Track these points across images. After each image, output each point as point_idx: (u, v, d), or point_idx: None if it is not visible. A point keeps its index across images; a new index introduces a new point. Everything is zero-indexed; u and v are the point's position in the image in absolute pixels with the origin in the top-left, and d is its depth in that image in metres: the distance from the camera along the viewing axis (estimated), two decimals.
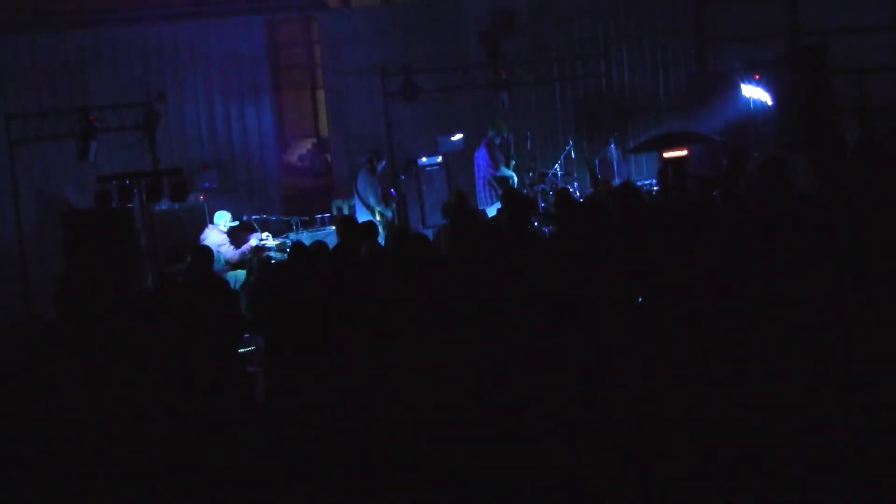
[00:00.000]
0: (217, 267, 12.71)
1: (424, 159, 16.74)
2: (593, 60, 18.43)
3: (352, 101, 17.82)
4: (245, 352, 10.03)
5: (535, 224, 14.11)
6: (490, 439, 6.46)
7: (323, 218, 15.57)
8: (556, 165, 16.80)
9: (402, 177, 16.38)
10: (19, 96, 15.49)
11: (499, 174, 16.23)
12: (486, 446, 6.41)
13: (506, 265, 8.77)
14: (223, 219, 14.20)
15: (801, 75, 16.10)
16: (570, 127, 18.68)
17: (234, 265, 13.71)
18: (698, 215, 9.49)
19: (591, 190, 16.02)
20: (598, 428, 6.52)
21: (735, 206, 9.75)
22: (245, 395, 7.86)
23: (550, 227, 13.67)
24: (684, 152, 15.08)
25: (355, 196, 15.47)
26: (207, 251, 10.68)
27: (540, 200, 15.78)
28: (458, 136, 17.00)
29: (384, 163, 15.65)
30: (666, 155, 15.07)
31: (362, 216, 14.83)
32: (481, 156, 16.16)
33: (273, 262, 13.47)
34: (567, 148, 17.47)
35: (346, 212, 16.00)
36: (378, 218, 15.09)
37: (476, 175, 16.38)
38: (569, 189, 15.83)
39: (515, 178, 16.45)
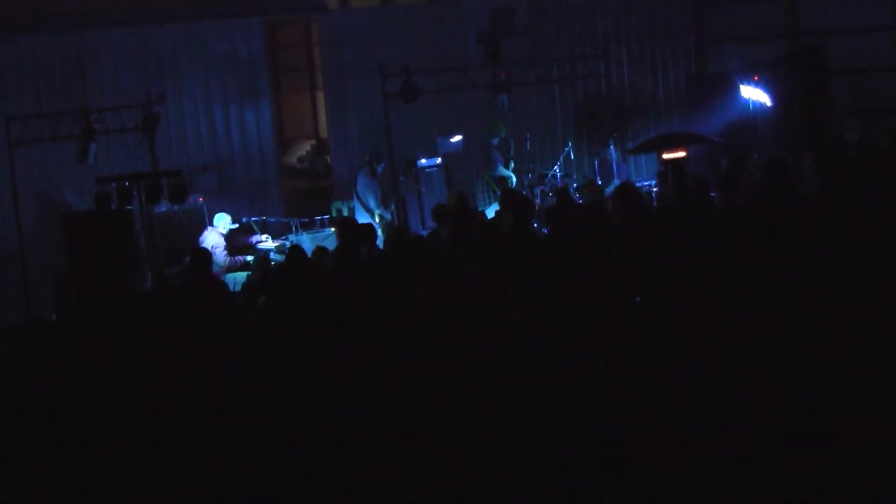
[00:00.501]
0: (215, 269, 12.70)
1: (424, 161, 16.75)
2: (593, 61, 18.44)
3: (351, 103, 17.83)
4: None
5: (535, 225, 14.11)
6: (490, 440, 6.46)
7: (322, 219, 15.57)
8: (556, 166, 16.80)
9: (402, 178, 16.38)
10: (19, 97, 15.51)
11: (497, 174, 16.25)
12: (485, 447, 6.42)
13: (506, 266, 8.78)
14: (222, 221, 14.19)
15: (800, 76, 16.11)
16: (570, 128, 18.69)
17: (229, 269, 13.68)
18: (697, 215, 9.50)
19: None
20: (597, 428, 6.51)
21: (734, 205, 9.75)
22: (244, 397, 7.85)
23: (549, 228, 13.67)
24: (683, 153, 15.09)
25: (354, 198, 15.46)
26: (206, 253, 10.70)
27: (539, 201, 15.77)
28: (458, 138, 17.01)
29: (384, 164, 15.66)
30: (665, 156, 15.09)
31: (361, 218, 14.83)
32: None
33: (273, 262, 13.46)
34: (566, 149, 17.48)
35: (345, 213, 16.00)
36: (377, 220, 15.09)
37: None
38: (569, 189, 15.88)
39: (514, 179, 16.46)
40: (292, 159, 27.09)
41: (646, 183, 16.75)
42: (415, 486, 6.20)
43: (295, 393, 7.13)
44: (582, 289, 8.20)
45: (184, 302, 9.25)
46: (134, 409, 6.93)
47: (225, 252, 13.78)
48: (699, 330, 7.49)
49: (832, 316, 7.29)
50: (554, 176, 16.53)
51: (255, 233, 14.79)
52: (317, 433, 6.63)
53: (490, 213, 13.89)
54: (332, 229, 14.53)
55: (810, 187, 10.53)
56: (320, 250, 11.17)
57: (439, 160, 16.86)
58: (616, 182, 16.25)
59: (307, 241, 14.20)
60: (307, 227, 15.30)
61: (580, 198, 14.99)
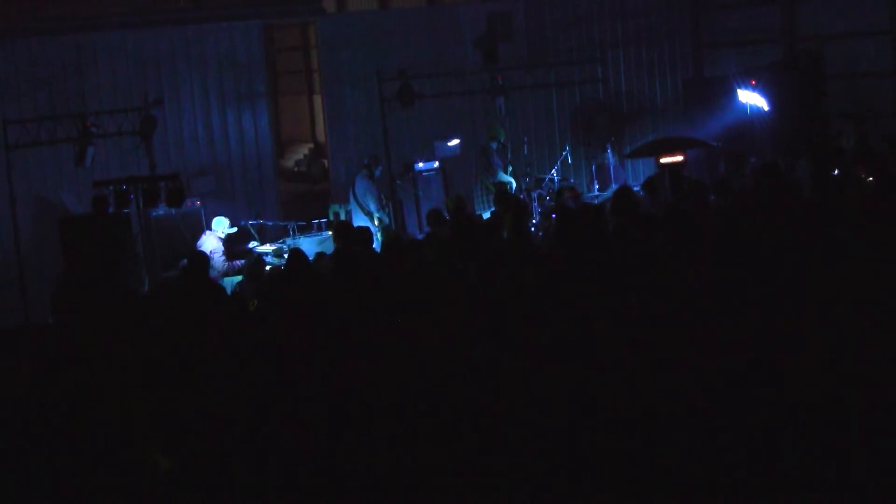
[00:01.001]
0: (213, 274, 12.70)
1: (421, 164, 16.76)
2: (590, 66, 18.47)
3: (349, 107, 17.84)
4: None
5: (532, 229, 14.14)
6: (489, 440, 6.48)
7: (320, 223, 15.56)
8: (553, 171, 16.82)
9: (399, 182, 16.39)
10: (16, 101, 15.48)
11: (498, 180, 16.26)
12: (485, 447, 6.43)
13: (505, 268, 8.80)
14: (221, 226, 14.18)
15: (797, 80, 16.15)
16: (567, 132, 18.71)
17: (226, 274, 13.68)
18: (693, 219, 9.52)
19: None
20: (596, 429, 6.53)
21: (730, 208, 9.78)
22: (243, 399, 7.85)
23: (546, 231, 13.69)
24: (681, 158, 15.09)
25: (352, 201, 15.46)
26: (204, 257, 10.70)
27: (536, 205, 15.79)
28: (455, 142, 17.02)
29: (382, 168, 15.66)
30: (662, 160, 15.09)
31: (359, 221, 14.85)
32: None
33: (268, 265, 13.47)
34: (564, 153, 17.50)
35: (342, 216, 16.01)
36: (376, 223, 15.10)
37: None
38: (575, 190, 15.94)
39: (514, 184, 16.48)
40: (290, 163, 27.16)
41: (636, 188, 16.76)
42: (414, 486, 6.22)
43: (294, 396, 7.13)
44: (579, 292, 8.22)
45: (181, 305, 9.25)
46: (131, 413, 6.93)
47: (223, 257, 13.78)
48: (696, 331, 7.51)
49: (830, 317, 7.32)
50: (551, 180, 16.55)
51: (253, 239, 14.78)
52: (317, 437, 6.64)
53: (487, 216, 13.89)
54: (330, 232, 14.54)
55: (803, 192, 10.56)
56: (319, 256, 11.20)
57: (436, 164, 16.87)
58: (614, 186, 16.28)
59: (304, 245, 14.19)
60: (304, 230, 15.30)
61: (563, 201, 15.02)
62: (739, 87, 15.92)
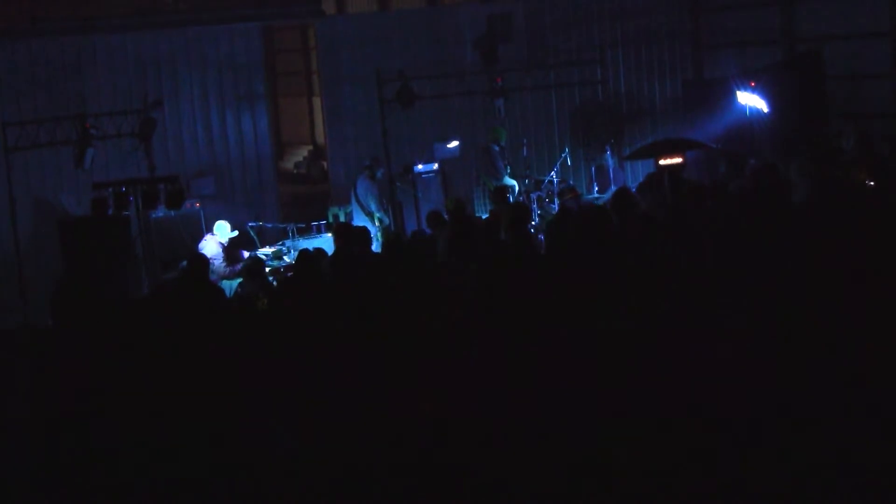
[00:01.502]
0: (213, 278, 12.69)
1: (421, 166, 16.76)
2: (589, 67, 18.47)
3: (348, 108, 17.85)
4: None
5: (533, 231, 14.13)
6: (489, 441, 6.48)
7: (319, 225, 15.56)
8: (553, 172, 16.82)
9: (399, 184, 16.38)
10: (16, 103, 15.50)
11: (501, 183, 16.22)
12: (484, 447, 6.43)
13: (505, 268, 8.80)
14: (223, 230, 14.13)
15: (797, 81, 16.14)
16: (567, 134, 18.70)
17: (226, 278, 13.67)
18: (691, 220, 9.52)
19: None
20: (596, 430, 6.53)
21: (727, 210, 9.78)
22: (243, 402, 7.85)
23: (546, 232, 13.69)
24: (680, 159, 15.07)
25: (353, 202, 15.46)
26: (204, 259, 10.69)
27: (536, 207, 15.79)
28: (455, 143, 17.02)
29: (384, 170, 15.64)
30: (662, 162, 15.06)
31: (360, 222, 14.83)
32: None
33: (268, 267, 13.47)
34: (563, 155, 17.49)
35: (342, 218, 16.01)
36: (376, 224, 15.09)
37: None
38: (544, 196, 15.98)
39: (517, 187, 16.46)
40: (289, 164, 27.16)
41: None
42: (414, 485, 6.22)
43: (295, 396, 7.13)
44: (580, 293, 8.22)
45: (180, 308, 9.24)
46: (130, 415, 6.93)
47: (224, 263, 13.76)
48: (695, 333, 7.51)
49: (828, 318, 7.32)
50: (551, 182, 16.54)
51: (252, 244, 14.77)
52: (317, 436, 6.63)
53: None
54: (329, 234, 14.54)
55: (796, 194, 10.56)
56: (319, 252, 11.18)
57: (436, 166, 16.87)
58: (613, 188, 16.27)
59: (304, 247, 14.18)
60: (304, 232, 15.29)
61: (564, 202, 15.04)
62: (739, 89, 15.90)
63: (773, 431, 6.28)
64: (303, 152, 27.68)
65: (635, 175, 18.76)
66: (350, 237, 10.98)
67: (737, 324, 7.43)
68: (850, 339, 6.96)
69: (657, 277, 8.23)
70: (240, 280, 12.91)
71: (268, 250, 14.42)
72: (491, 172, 16.47)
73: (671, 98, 19.09)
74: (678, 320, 7.64)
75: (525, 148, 17.29)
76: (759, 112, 15.79)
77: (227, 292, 12.99)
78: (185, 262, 12.03)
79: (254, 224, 15.10)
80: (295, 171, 26.61)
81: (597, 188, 17.56)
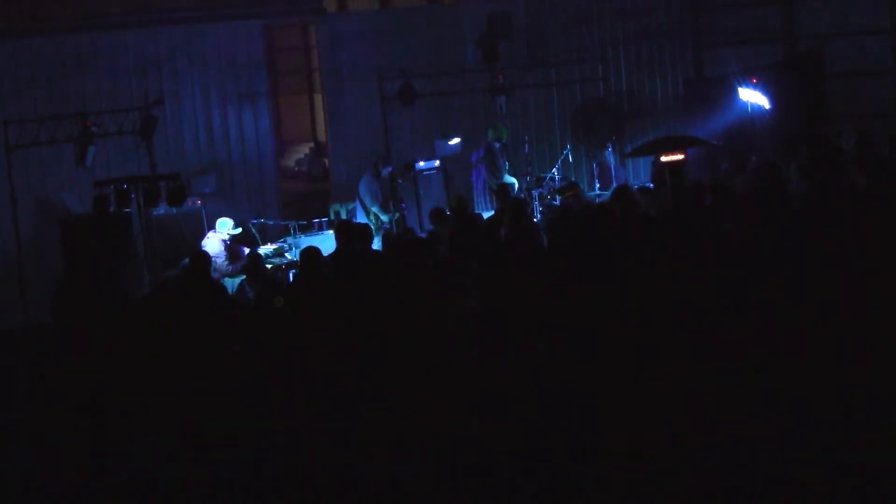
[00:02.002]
0: (215, 276, 12.69)
1: (422, 164, 16.76)
2: (591, 65, 18.46)
3: (349, 106, 17.84)
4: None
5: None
6: (490, 440, 6.48)
7: (321, 222, 15.56)
8: (554, 170, 16.82)
9: (400, 181, 16.38)
10: (17, 101, 15.50)
11: (501, 181, 16.21)
12: (485, 447, 6.43)
13: (506, 267, 8.80)
14: (225, 227, 14.13)
15: (797, 80, 16.13)
16: (568, 131, 18.70)
17: (228, 276, 13.67)
18: (692, 218, 9.51)
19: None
20: (596, 430, 6.53)
21: (729, 208, 9.77)
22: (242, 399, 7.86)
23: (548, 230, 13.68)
24: (682, 156, 15.08)
25: (357, 200, 15.46)
26: (206, 256, 10.68)
27: (537, 205, 15.79)
28: (456, 141, 17.02)
29: (390, 168, 15.58)
30: (663, 159, 15.07)
31: (362, 220, 14.83)
32: (481, 160, 16.20)
33: (270, 265, 13.47)
34: (565, 152, 17.50)
35: (343, 216, 16.01)
36: (373, 220, 15.05)
37: (475, 180, 16.38)
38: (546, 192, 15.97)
39: (516, 184, 16.46)
40: (290, 162, 27.14)
41: (644, 186, 16.74)
42: (415, 486, 6.23)
43: (296, 396, 7.14)
44: (581, 291, 8.22)
45: (182, 306, 9.24)
46: (131, 413, 6.94)
47: (226, 260, 13.76)
48: (695, 332, 7.51)
49: (828, 318, 7.32)
50: (552, 179, 16.54)
51: (255, 241, 14.78)
52: (318, 436, 6.64)
53: (488, 216, 13.87)
54: (331, 232, 14.53)
55: (795, 191, 10.56)
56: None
57: (437, 163, 16.87)
58: (614, 185, 16.26)
59: (305, 244, 14.17)
60: (305, 229, 15.29)
61: (565, 200, 15.03)
62: (741, 86, 15.90)
63: (773, 431, 6.28)
64: (304, 150, 27.66)
65: (636, 172, 18.77)
66: (351, 235, 10.96)
67: (736, 323, 7.44)
68: (849, 339, 6.96)
69: (658, 276, 8.23)
70: (242, 278, 12.93)
71: (269, 247, 14.42)
72: (491, 170, 16.47)
73: (672, 96, 19.09)
74: (678, 319, 7.64)
75: (526, 145, 17.29)
76: (760, 109, 15.79)
77: (230, 290, 13.00)
78: (186, 260, 12.04)
79: (255, 221, 15.11)
80: (296, 169, 26.60)
81: (598, 185, 17.55)
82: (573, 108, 18.79)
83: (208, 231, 14.34)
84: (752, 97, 15.77)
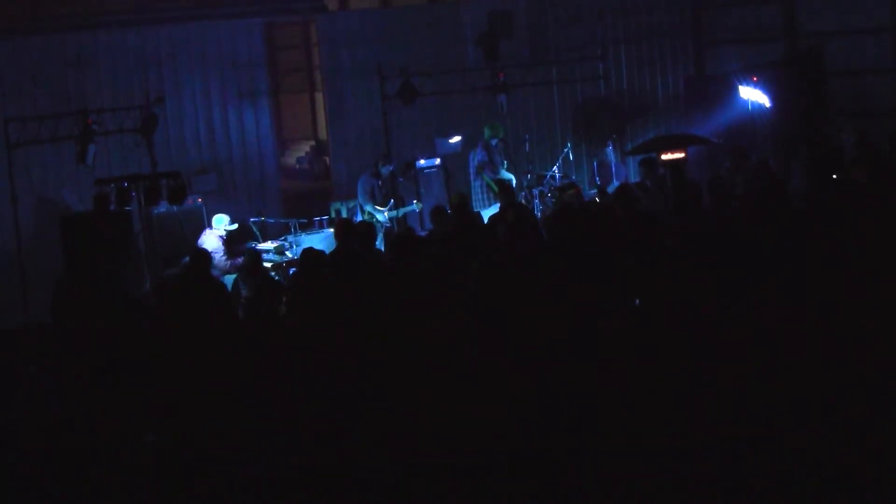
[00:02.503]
0: (214, 273, 12.69)
1: (423, 162, 16.76)
2: (591, 63, 18.46)
3: (350, 104, 17.83)
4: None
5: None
6: (488, 439, 6.48)
7: (321, 220, 15.55)
8: (555, 168, 16.82)
9: (401, 179, 16.38)
10: (18, 99, 15.48)
11: (498, 177, 16.22)
12: (483, 447, 6.43)
13: (507, 266, 8.81)
14: (222, 223, 14.16)
15: (798, 78, 16.13)
16: (569, 129, 18.70)
17: (228, 272, 13.67)
18: (691, 219, 9.52)
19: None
20: (597, 430, 6.53)
21: (726, 206, 9.78)
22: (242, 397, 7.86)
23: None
24: (682, 154, 15.07)
25: (358, 198, 15.46)
26: (205, 255, 10.70)
27: (538, 203, 15.79)
28: (457, 139, 17.02)
29: (391, 167, 15.54)
30: (664, 157, 15.06)
31: (362, 219, 14.81)
32: (477, 157, 16.19)
33: (269, 262, 13.47)
34: (565, 150, 17.49)
35: (344, 214, 16.00)
36: (367, 219, 14.99)
37: (473, 178, 16.38)
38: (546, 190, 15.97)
39: (514, 180, 16.46)
40: (291, 160, 27.11)
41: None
42: (413, 484, 6.23)
43: (296, 396, 7.14)
44: (581, 290, 8.22)
45: (183, 304, 9.25)
46: (132, 412, 6.94)
47: (225, 256, 13.76)
48: (697, 332, 7.51)
49: (828, 317, 7.32)
50: (553, 177, 16.54)
51: (254, 238, 14.77)
52: (318, 436, 6.64)
53: (487, 214, 13.87)
54: (332, 230, 14.52)
55: (797, 189, 10.57)
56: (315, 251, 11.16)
57: (438, 161, 16.87)
58: (615, 183, 16.27)
59: (306, 243, 14.19)
60: (306, 227, 15.28)
61: (565, 198, 15.02)
62: (741, 84, 15.89)
63: (773, 431, 6.29)
64: (305, 148, 27.62)
65: (637, 171, 18.76)
66: (351, 234, 10.95)
67: (736, 323, 7.44)
68: (850, 339, 6.97)
69: (658, 275, 8.23)
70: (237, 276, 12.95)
71: (270, 245, 14.42)
72: (488, 167, 16.48)
73: (673, 94, 19.09)
74: (678, 319, 7.64)
75: (527, 143, 17.28)
76: (761, 107, 15.78)
77: (229, 286, 13.01)
78: (187, 258, 12.04)
79: (256, 220, 15.10)
80: (297, 167, 26.57)
81: (599, 183, 17.54)
82: (574, 107, 18.79)
83: (206, 228, 14.36)
84: (753, 95, 15.76)
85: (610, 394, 6.86)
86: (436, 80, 16.66)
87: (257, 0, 18.35)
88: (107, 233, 13.19)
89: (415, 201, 15.68)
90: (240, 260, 13.69)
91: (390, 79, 16.02)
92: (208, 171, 16.76)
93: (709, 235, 8.88)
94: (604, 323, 7.78)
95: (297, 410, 6.93)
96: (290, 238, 14.67)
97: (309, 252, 9.97)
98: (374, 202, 15.04)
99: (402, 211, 15.53)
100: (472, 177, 16.35)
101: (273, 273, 13.21)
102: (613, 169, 17.51)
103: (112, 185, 13.22)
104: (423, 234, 13.75)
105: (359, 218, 14.89)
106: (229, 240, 14.14)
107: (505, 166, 16.63)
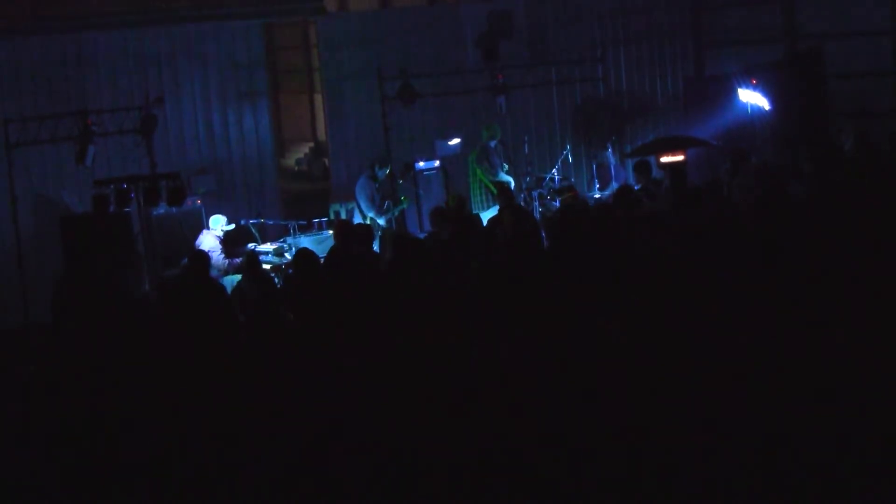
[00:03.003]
0: (213, 273, 12.69)
1: (422, 164, 16.76)
2: (591, 65, 18.47)
3: (349, 106, 17.84)
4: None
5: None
6: (487, 441, 6.48)
7: (320, 222, 15.54)
8: (554, 170, 16.83)
9: (400, 181, 16.37)
10: (17, 100, 15.48)
11: (496, 178, 16.23)
12: (483, 447, 6.43)
13: (507, 267, 8.80)
14: (219, 223, 14.18)
15: (797, 79, 16.14)
16: (568, 131, 18.71)
17: (227, 272, 13.67)
18: (692, 218, 9.52)
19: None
20: (597, 430, 6.53)
21: (724, 208, 9.79)
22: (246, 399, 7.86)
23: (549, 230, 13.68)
24: (682, 157, 15.08)
25: (356, 200, 15.45)
26: (205, 256, 10.70)
27: (537, 205, 15.79)
28: (456, 141, 17.02)
29: (388, 169, 15.53)
30: (663, 159, 15.07)
31: (359, 221, 14.80)
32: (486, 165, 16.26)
33: (267, 264, 13.46)
34: (564, 152, 17.50)
35: (343, 215, 15.99)
36: (364, 220, 15.00)
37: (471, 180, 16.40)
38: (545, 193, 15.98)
39: (512, 182, 16.47)
40: (290, 161, 27.13)
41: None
42: (411, 483, 6.23)
43: (296, 396, 7.14)
44: (582, 291, 8.22)
45: (182, 305, 9.25)
46: (132, 415, 6.94)
47: (222, 255, 13.77)
48: (699, 333, 7.51)
49: (828, 318, 7.32)
50: (552, 179, 16.55)
51: (253, 239, 14.77)
52: (324, 437, 6.64)
53: (486, 216, 13.87)
54: (331, 231, 14.53)
55: (797, 191, 10.57)
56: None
57: (437, 163, 16.87)
58: (614, 185, 16.27)
59: (305, 244, 14.18)
60: (305, 229, 15.28)
61: (563, 201, 15.05)
62: (740, 86, 15.91)
63: (773, 431, 6.29)
64: (304, 149, 27.65)
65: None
66: (349, 235, 10.95)
67: (737, 323, 7.44)
68: (850, 339, 6.97)
69: (659, 277, 8.24)
70: (239, 278, 12.93)
71: (269, 247, 14.42)
72: (486, 168, 16.50)
73: (672, 95, 19.09)
74: (679, 320, 7.64)
75: (526, 145, 17.29)
76: (760, 110, 15.80)
77: (228, 289, 12.99)
78: (186, 259, 12.03)
79: (255, 221, 15.10)
80: (296, 168, 26.59)
81: (598, 185, 17.55)
82: (573, 108, 18.80)
83: (203, 229, 14.37)
84: (752, 98, 15.77)
85: (610, 394, 6.86)
86: (435, 82, 16.67)
87: (257, 1, 18.35)
88: (106, 234, 13.19)
89: (402, 197, 15.65)
90: (237, 261, 13.71)
91: (389, 80, 16.03)
92: (207, 172, 16.75)
93: (708, 236, 8.88)
94: (604, 324, 7.77)
95: (297, 411, 6.93)
96: (290, 240, 14.67)
97: (303, 252, 9.97)
98: (375, 207, 15.02)
99: (397, 210, 15.52)
100: (470, 178, 16.34)
101: (273, 275, 13.19)
102: (613, 171, 17.52)
103: (111, 185, 13.23)
104: (422, 235, 13.76)
105: (357, 220, 14.89)
106: (227, 240, 14.15)
107: (504, 168, 16.64)
